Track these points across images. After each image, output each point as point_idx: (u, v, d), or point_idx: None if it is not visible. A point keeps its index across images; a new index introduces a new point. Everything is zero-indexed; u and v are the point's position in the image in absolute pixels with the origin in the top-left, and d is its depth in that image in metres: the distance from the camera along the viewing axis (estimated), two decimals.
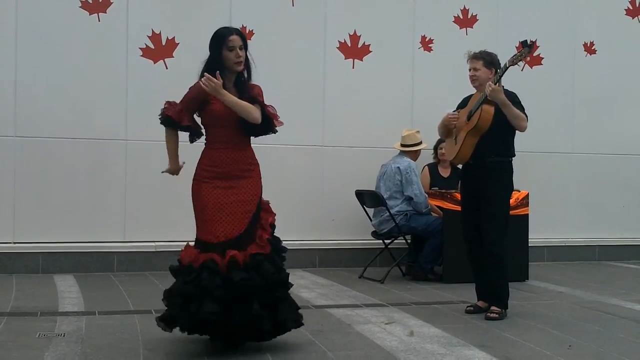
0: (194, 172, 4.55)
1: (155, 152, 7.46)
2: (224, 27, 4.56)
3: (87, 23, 7.58)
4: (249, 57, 4.54)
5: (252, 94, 4.49)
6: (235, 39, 4.46)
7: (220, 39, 4.47)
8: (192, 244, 4.50)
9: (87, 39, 7.58)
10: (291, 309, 4.59)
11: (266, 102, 4.59)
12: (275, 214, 4.63)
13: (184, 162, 4.62)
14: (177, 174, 4.68)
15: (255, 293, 4.32)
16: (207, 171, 4.47)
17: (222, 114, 4.44)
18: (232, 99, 4.40)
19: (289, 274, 4.60)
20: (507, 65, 5.48)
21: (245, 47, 4.50)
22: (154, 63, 7.72)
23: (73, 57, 7.54)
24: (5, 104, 7.38)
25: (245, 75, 4.56)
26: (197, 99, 4.48)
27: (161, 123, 4.58)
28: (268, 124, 4.55)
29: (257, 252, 4.38)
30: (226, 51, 4.45)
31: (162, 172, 4.70)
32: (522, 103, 5.68)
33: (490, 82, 5.48)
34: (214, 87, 4.32)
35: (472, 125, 5.58)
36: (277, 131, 4.64)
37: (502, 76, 5.52)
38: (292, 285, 4.65)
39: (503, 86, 5.59)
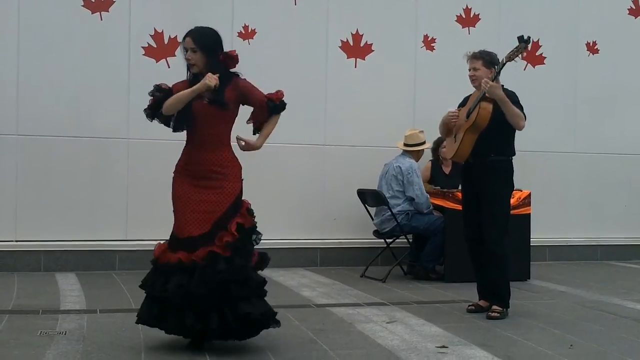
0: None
1: (157, 151, 7.49)
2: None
3: (89, 22, 7.58)
4: (219, 58, 4.48)
5: (257, 95, 4.54)
6: (186, 42, 4.48)
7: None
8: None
9: (89, 37, 7.58)
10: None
11: None
12: (251, 218, 4.46)
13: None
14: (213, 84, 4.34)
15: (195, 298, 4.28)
16: (182, 167, 4.52)
17: (194, 113, 4.45)
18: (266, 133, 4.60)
19: (262, 280, 4.50)
20: (504, 61, 5.48)
21: (202, 48, 4.42)
22: (156, 62, 7.73)
23: (75, 56, 7.54)
24: (7, 102, 7.38)
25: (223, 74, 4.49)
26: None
27: (156, 94, 4.49)
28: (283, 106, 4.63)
29: (212, 251, 4.29)
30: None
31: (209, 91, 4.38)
32: (524, 102, 5.68)
33: (486, 79, 5.47)
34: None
35: (471, 122, 5.58)
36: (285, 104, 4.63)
37: (499, 73, 5.51)
38: (265, 291, 4.54)
39: (503, 85, 5.59)
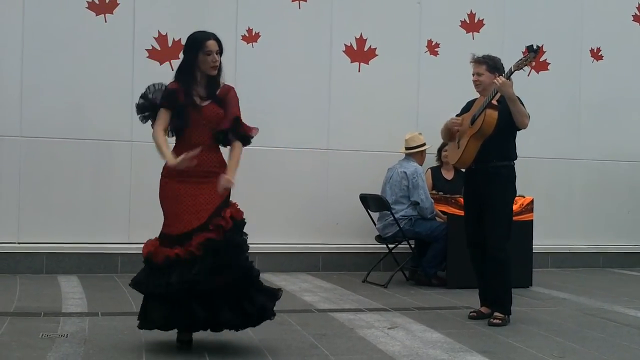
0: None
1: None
2: (199, 32, 4.65)
3: (93, 24, 7.58)
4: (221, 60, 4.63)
5: (231, 114, 4.56)
6: (212, 44, 4.55)
7: (197, 43, 4.57)
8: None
9: (93, 39, 7.59)
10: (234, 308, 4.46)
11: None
12: (242, 212, 4.55)
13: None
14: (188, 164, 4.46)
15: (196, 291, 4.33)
16: (174, 170, 4.49)
17: (194, 117, 4.53)
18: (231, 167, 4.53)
19: (253, 272, 4.54)
20: (512, 70, 5.46)
21: (220, 52, 4.58)
22: (160, 64, 7.73)
23: (79, 58, 7.55)
24: (10, 104, 7.39)
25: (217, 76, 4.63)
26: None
27: (164, 99, 4.68)
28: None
29: (208, 237, 4.35)
30: (203, 55, 4.54)
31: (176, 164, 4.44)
32: (528, 108, 5.66)
33: (500, 77, 5.46)
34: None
35: (476, 129, 5.57)
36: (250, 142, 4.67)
37: (509, 78, 5.50)
38: (258, 279, 4.57)
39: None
